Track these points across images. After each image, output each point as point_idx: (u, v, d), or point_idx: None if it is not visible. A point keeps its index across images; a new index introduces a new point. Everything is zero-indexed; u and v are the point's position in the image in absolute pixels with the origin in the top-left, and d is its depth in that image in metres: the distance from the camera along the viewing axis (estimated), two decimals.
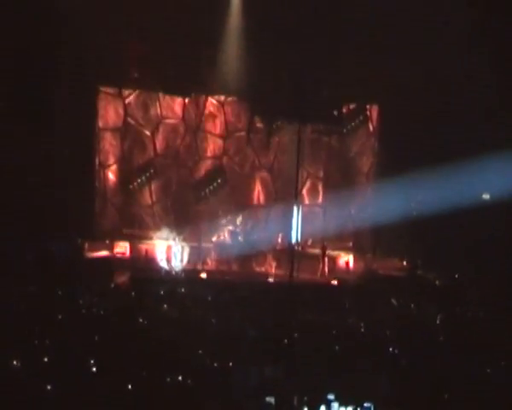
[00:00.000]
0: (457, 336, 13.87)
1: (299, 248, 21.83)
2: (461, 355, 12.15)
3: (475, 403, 10.09)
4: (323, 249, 21.82)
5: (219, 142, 23.42)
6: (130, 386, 9.66)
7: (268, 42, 20.33)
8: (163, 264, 21.12)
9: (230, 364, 11.22)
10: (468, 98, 19.51)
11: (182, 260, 21.17)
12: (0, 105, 19.31)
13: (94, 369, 10.48)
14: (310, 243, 22.63)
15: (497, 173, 19.03)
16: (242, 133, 23.38)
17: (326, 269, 21.66)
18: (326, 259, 21.88)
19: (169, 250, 21.29)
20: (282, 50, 20.36)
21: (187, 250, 21.32)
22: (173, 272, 20.77)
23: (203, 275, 20.61)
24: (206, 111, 23.17)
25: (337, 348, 12.61)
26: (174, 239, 21.47)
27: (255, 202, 23.43)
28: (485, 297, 16.54)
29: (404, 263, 21.38)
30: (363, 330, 14.58)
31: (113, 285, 18.82)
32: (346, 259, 22.33)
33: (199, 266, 21.12)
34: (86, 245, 21.14)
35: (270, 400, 9.59)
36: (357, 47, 20.45)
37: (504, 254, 18.54)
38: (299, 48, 20.23)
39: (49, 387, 9.53)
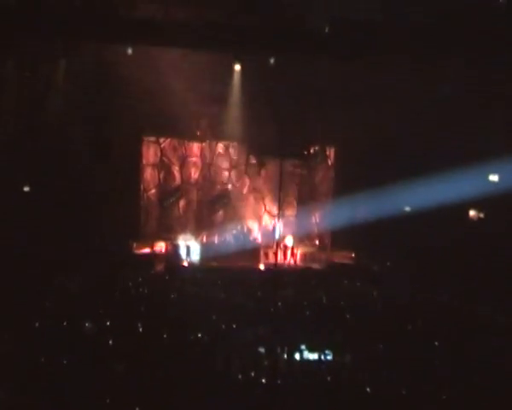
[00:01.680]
0: (387, 304, 14.09)
1: (281, 246, 21.13)
2: (388, 312, 12.75)
3: (404, 344, 10.69)
4: (295, 246, 21.43)
5: (226, 173, 22.77)
6: (165, 336, 10.05)
7: (260, 102, 19.74)
8: (186, 257, 20.43)
9: (234, 326, 11.62)
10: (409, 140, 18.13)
11: (199, 255, 20.58)
12: (83, 148, 18.58)
13: (140, 329, 11.00)
14: (288, 242, 21.79)
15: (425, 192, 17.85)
16: (242, 167, 22.79)
17: (299, 260, 21.29)
18: (298, 252, 21.48)
19: (190, 248, 20.60)
20: (269, 109, 19.92)
21: (203, 248, 20.83)
22: (193, 263, 20.24)
23: (214, 264, 19.93)
24: (217, 152, 22.66)
25: (307, 313, 13.04)
26: (194, 240, 21.17)
27: (250, 214, 22.61)
28: (405, 279, 16.22)
29: (353, 255, 20.77)
30: (324, 300, 14.63)
31: (153, 272, 18.65)
32: (312, 252, 21.83)
33: (211, 259, 20.26)
34: (135, 245, 20.68)
35: (261, 349, 10.12)
36: (320, 108, 19.97)
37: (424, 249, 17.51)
38: (281, 107, 19.74)
39: (110, 342, 9.85)
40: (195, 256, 20.68)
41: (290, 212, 23.05)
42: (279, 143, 20.71)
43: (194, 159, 22.81)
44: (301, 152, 22.15)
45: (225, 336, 10.73)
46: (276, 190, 21.45)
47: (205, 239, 21.63)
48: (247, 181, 23.06)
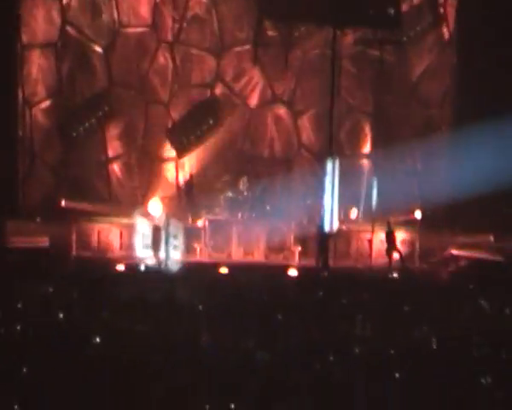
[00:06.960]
0: None
1: (337, 225, 21.12)
2: None
3: None
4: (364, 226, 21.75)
5: (211, 60, 22.58)
6: None
7: None
8: (125, 254, 20.77)
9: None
10: None
11: (155, 248, 20.59)
12: None
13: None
14: (354, 216, 22.12)
15: None
16: (246, 47, 22.51)
17: (378, 255, 21.25)
18: (380, 239, 21.39)
19: (134, 233, 20.85)
20: None
21: (162, 232, 20.77)
22: (141, 267, 19.81)
23: (186, 270, 19.40)
24: (190, 13, 22.41)
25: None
26: (142, 216, 21.12)
27: (267, 153, 22.81)
28: None
29: (491, 238, 20.88)
30: (435, 346, 12.71)
31: (51, 290, 16.06)
32: (409, 237, 21.86)
33: (180, 257, 20.39)
34: (7, 227, 20.33)
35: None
36: None
37: None
38: None
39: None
40: (142, 251, 21.09)
41: (358, 148, 23.32)
42: None
43: (137, 29, 22.47)
44: (381, 10, 21.58)
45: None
46: (325, 97, 21.27)
47: (165, 213, 21.57)
48: (260, 79, 22.77)
